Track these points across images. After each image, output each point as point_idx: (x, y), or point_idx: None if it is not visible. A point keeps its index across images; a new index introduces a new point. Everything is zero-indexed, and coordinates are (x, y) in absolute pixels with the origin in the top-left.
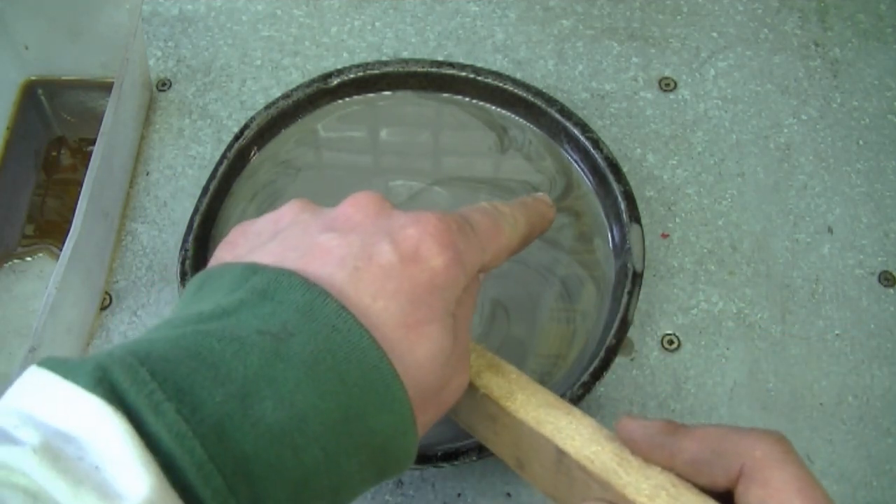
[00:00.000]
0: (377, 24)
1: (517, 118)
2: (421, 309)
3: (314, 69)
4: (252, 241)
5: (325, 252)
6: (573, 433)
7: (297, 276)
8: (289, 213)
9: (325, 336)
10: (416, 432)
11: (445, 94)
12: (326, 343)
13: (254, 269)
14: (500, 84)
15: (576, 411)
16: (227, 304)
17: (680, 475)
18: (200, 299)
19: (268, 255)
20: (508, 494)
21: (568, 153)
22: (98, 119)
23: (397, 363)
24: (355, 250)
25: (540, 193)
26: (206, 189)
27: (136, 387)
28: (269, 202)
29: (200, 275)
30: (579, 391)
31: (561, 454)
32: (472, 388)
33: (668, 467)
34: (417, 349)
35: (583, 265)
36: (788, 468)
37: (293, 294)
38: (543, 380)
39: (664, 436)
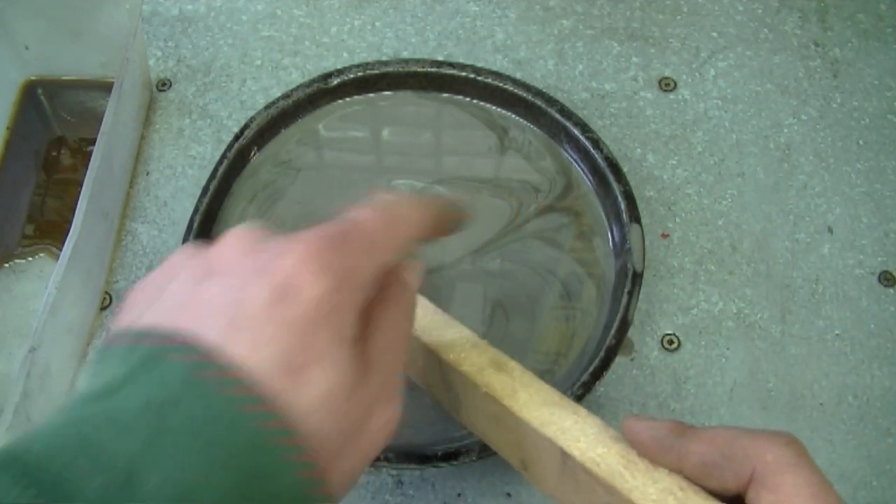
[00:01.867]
0: (377, 24)
1: (517, 118)
2: (305, 349)
3: (314, 69)
4: (148, 298)
5: (202, 304)
6: (578, 434)
7: (177, 340)
8: (176, 261)
9: (206, 404)
10: (330, 485)
11: (445, 94)
12: (208, 411)
13: (139, 336)
14: (500, 84)
15: (581, 410)
16: (113, 380)
17: (688, 478)
18: (95, 375)
19: (156, 315)
20: (508, 494)
21: (568, 153)
22: (98, 119)
23: (290, 414)
24: (230, 297)
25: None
26: (206, 189)
27: (6, 484)
28: (269, 202)
29: (101, 346)
30: (579, 391)
31: (566, 456)
32: (474, 385)
33: (676, 470)
34: (307, 394)
35: (583, 265)
36: (801, 472)
37: (174, 362)
38: (543, 379)
39: (672, 437)
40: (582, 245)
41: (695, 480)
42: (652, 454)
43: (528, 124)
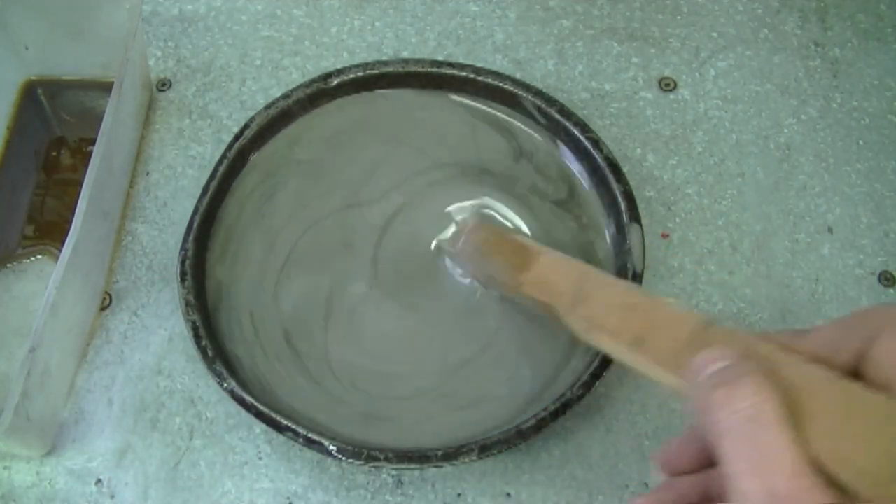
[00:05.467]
0: (377, 24)
1: (517, 117)
2: None
3: (314, 69)
4: None
5: None
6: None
7: None
8: None
9: None
10: None
11: (445, 94)
12: None
13: None
14: (500, 84)
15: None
16: None
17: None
18: None
19: None
20: (508, 494)
21: (568, 153)
22: (98, 119)
23: None
24: None
25: None
26: (206, 189)
27: None
28: (267, 199)
29: None
30: (579, 391)
31: (708, 325)
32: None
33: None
34: None
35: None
36: None
37: None
38: (543, 378)
39: (798, 336)
40: (582, 245)
41: (823, 360)
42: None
43: (529, 122)
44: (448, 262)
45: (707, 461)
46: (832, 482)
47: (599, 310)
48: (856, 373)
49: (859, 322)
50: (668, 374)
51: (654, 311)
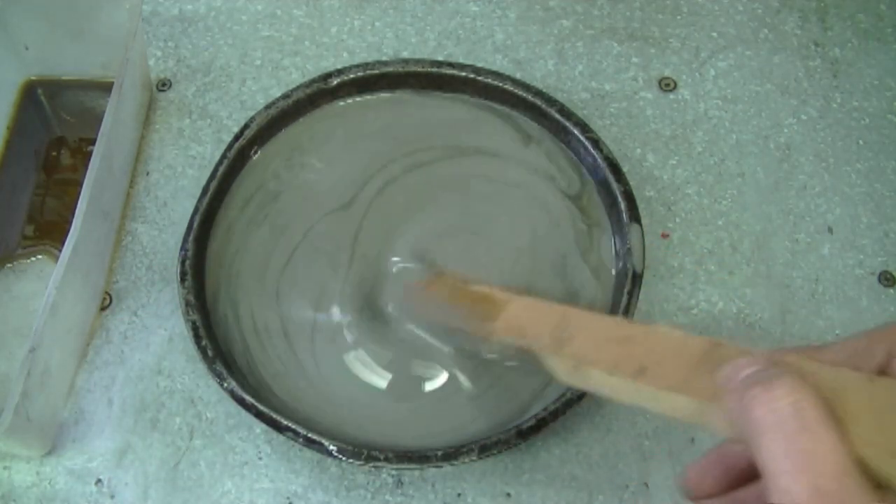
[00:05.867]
0: (377, 24)
1: (518, 116)
2: None
3: (314, 69)
4: None
5: None
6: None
7: None
8: None
9: None
10: None
11: (446, 94)
12: None
13: None
14: (500, 84)
15: None
16: None
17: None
18: None
19: None
20: (508, 494)
21: (568, 153)
22: (98, 119)
23: None
24: None
25: None
26: (206, 189)
27: None
28: (270, 200)
29: None
30: (579, 391)
31: (717, 344)
32: (600, 319)
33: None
34: None
35: (586, 264)
36: None
37: None
38: (543, 379)
39: (814, 351)
40: (582, 245)
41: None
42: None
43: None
44: (395, 310)
45: (732, 482)
46: (877, 482)
47: (589, 346)
48: None
49: (879, 337)
50: (679, 396)
51: (653, 339)
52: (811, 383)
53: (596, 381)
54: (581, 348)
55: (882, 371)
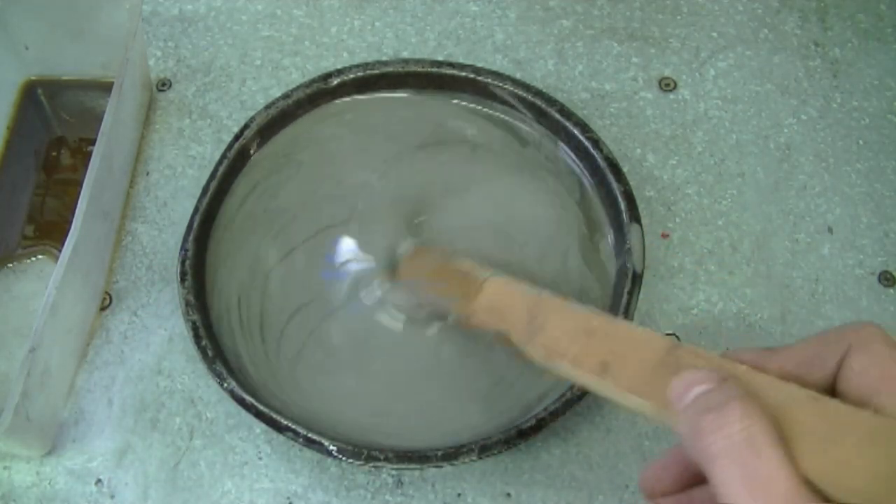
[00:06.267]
0: (377, 24)
1: (517, 117)
2: None
3: (314, 69)
4: None
5: None
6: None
7: None
8: None
9: None
10: None
11: (446, 94)
12: None
13: None
14: (500, 84)
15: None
16: None
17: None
18: None
19: None
20: (508, 494)
21: (568, 153)
22: (98, 119)
23: None
24: None
25: None
26: (206, 189)
27: None
28: (269, 197)
29: None
30: (579, 391)
31: (673, 347)
32: (571, 309)
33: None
34: None
35: (587, 264)
36: (889, 341)
37: None
38: (544, 379)
39: (766, 355)
40: (587, 244)
41: (794, 379)
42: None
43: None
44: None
45: (688, 481)
46: (824, 498)
47: (558, 337)
48: (831, 391)
49: (831, 339)
50: (638, 399)
51: (615, 334)
52: (761, 402)
53: (565, 372)
54: (551, 339)
55: (832, 378)
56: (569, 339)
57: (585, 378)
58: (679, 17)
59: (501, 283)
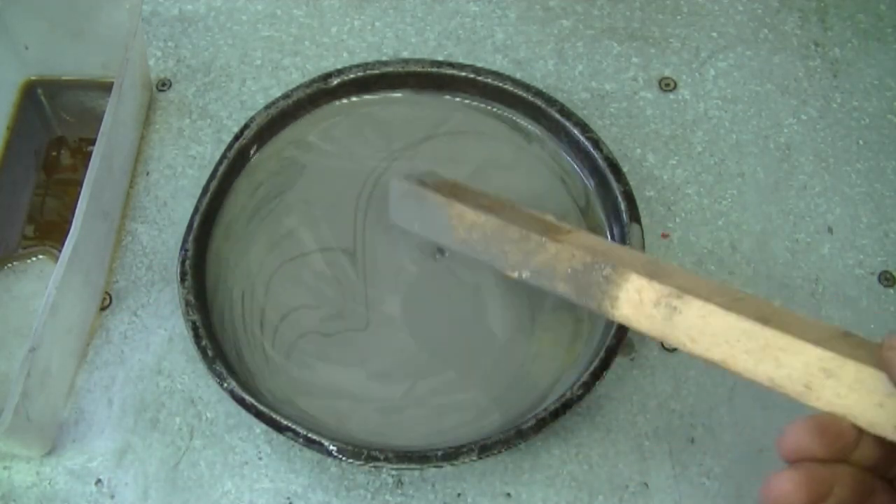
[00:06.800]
0: (377, 24)
1: (518, 116)
2: None
3: (314, 69)
4: None
5: None
6: None
7: None
8: None
9: None
10: None
11: (446, 94)
12: None
13: None
14: (500, 84)
15: None
16: None
17: None
18: None
19: None
20: (508, 494)
21: (568, 153)
22: (98, 119)
23: None
24: None
25: None
26: (206, 189)
27: None
28: (271, 199)
29: None
30: (579, 391)
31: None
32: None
33: None
34: None
35: None
36: None
37: None
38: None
39: None
40: None
41: None
42: None
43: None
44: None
45: (843, 451)
46: None
47: (697, 287)
48: None
49: None
50: (816, 349)
51: (778, 310)
52: None
53: (694, 313)
54: (684, 283)
55: None
56: (713, 293)
57: (733, 322)
58: (679, 17)
59: (595, 237)
